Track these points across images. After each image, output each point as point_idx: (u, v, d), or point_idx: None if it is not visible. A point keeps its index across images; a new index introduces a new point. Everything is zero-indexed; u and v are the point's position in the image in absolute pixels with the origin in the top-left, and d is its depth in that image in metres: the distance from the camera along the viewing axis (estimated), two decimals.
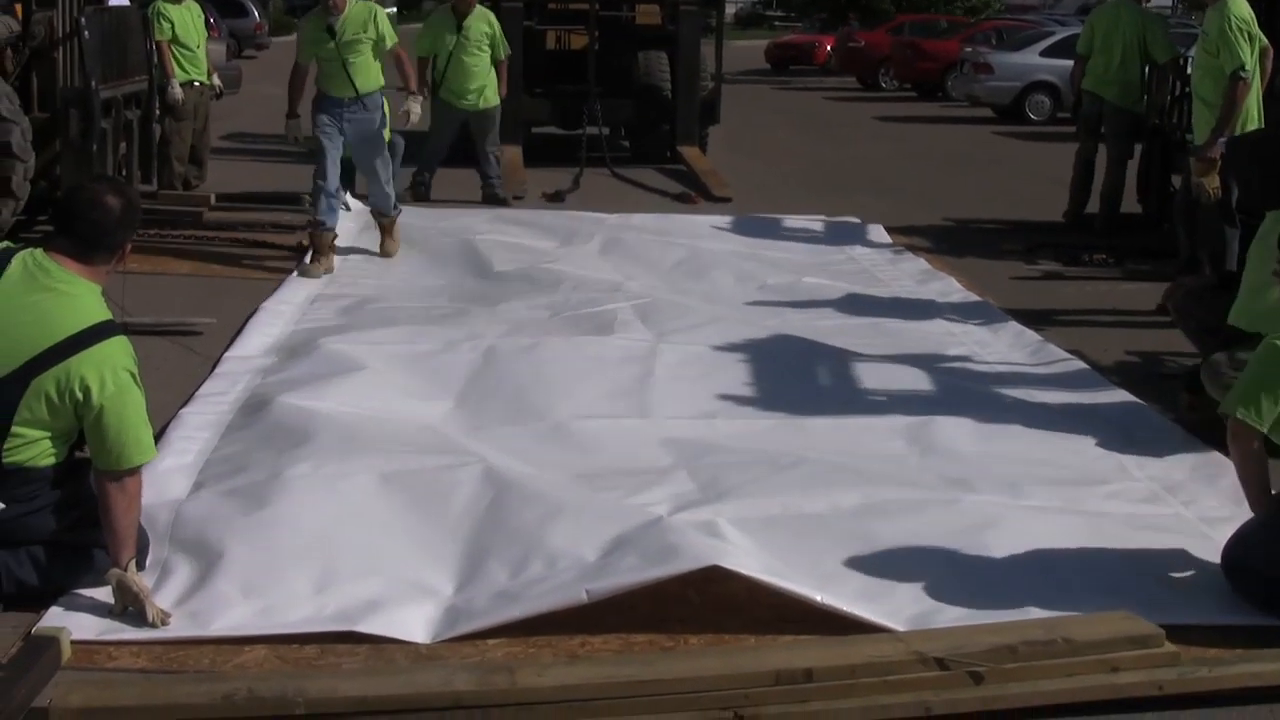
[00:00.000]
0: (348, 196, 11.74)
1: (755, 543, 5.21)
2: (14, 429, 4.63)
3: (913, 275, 10.90)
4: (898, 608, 4.81)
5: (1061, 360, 8.22)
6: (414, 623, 4.69)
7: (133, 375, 4.70)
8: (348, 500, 5.57)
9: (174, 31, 13.15)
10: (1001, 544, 5.36)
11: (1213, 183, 9.14)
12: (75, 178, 9.79)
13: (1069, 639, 4.34)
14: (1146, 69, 12.82)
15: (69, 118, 10.29)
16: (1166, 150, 12.05)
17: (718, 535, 5.20)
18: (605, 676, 4.14)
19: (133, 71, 11.70)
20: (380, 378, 7.31)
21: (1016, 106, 27.24)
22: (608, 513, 5.39)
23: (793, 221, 13.20)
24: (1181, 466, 6.42)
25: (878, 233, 12.64)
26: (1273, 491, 5.06)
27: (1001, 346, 8.63)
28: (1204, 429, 6.64)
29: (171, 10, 13.17)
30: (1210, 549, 5.24)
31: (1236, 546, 5.04)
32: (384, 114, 10.96)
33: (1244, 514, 5.27)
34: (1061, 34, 28.24)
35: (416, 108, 11.41)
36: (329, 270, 10.26)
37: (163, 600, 4.74)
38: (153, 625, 4.59)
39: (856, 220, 13.29)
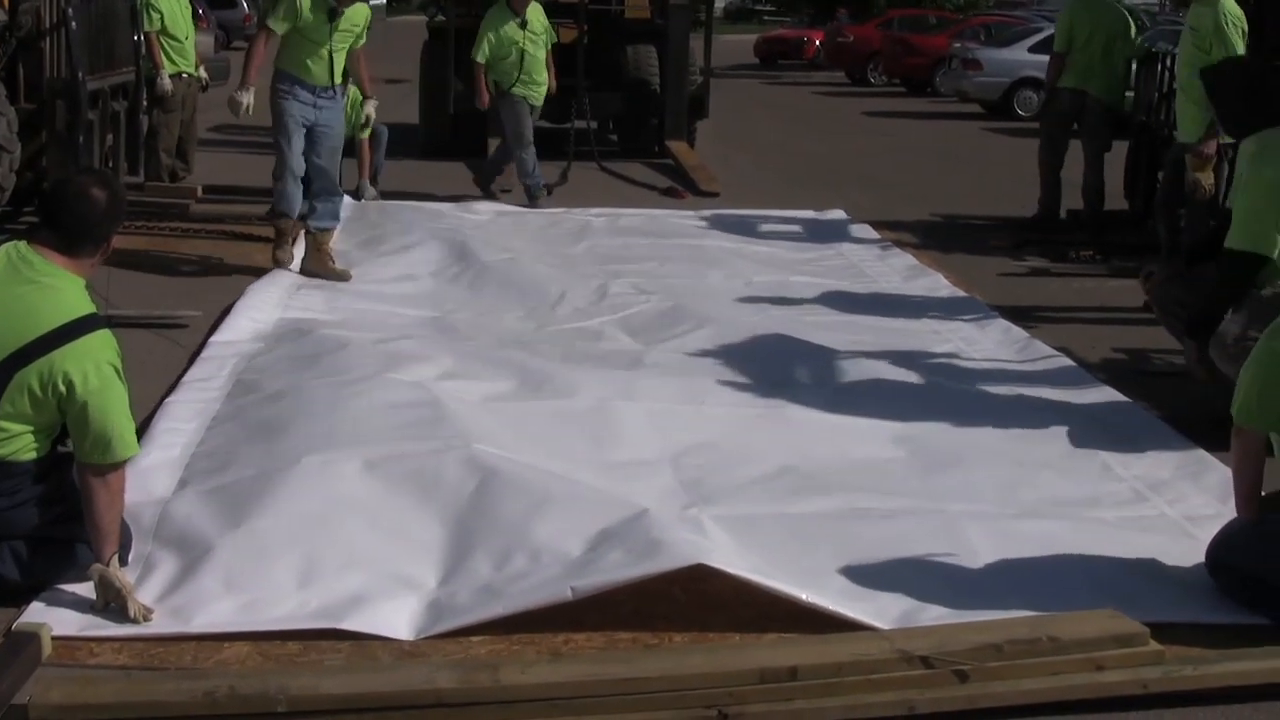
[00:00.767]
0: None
1: (740, 541, 5.20)
2: None
3: (900, 271, 10.90)
4: (882, 607, 4.80)
5: (1048, 357, 8.22)
6: (397, 619, 4.67)
7: (116, 369, 4.69)
8: (332, 490, 5.54)
9: (163, 23, 13.12)
10: (986, 543, 5.35)
11: (1208, 179, 9.14)
12: (61, 169, 9.77)
13: (1054, 637, 4.33)
14: (1137, 63, 12.85)
15: (55, 109, 10.28)
16: (1153, 147, 12.05)
17: (703, 533, 5.20)
18: (589, 674, 4.13)
19: (120, 63, 11.69)
20: (366, 366, 7.29)
21: (1005, 102, 27.30)
22: (593, 506, 5.37)
23: (780, 216, 13.21)
24: (1166, 465, 6.41)
25: (864, 229, 12.64)
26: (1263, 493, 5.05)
27: (988, 343, 8.63)
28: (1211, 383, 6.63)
29: (161, 1, 13.13)
30: (1195, 548, 5.23)
31: (1221, 545, 5.03)
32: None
33: (1229, 513, 5.27)
34: (1050, 30, 28.10)
35: (373, 110, 11.13)
36: (292, 259, 10.16)
37: (145, 596, 4.72)
38: (135, 621, 4.57)
39: (843, 215, 13.31)
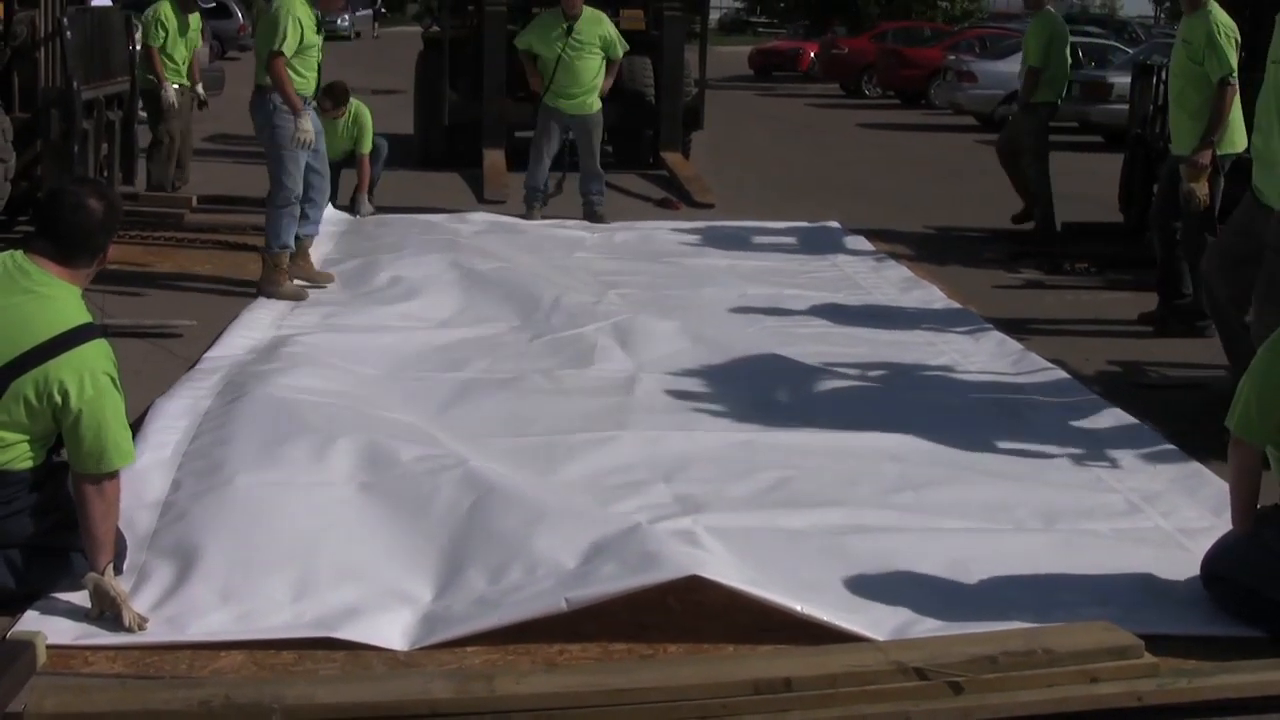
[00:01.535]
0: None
1: (735, 553, 5.19)
2: None
3: (895, 283, 10.91)
4: (878, 619, 4.79)
5: (1043, 369, 8.22)
6: (392, 630, 4.67)
7: (112, 379, 4.69)
8: (327, 504, 5.55)
9: (164, 41, 13.17)
10: (981, 555, 5.35)
11: (1202, 189, 9.14)
12: (56, 178, 9.76)
13: (1048, 649, 4.33)
14: (1132, 76, 12.95)
15: (50, 118, 10.27)
16: (1149, 160, 12.06)
17: (697, 544, 5.19)
18: (583, 685, 4.13)
19: (114, 72, 11.71)
20: (358, 377, 7.29)
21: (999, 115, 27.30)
22: (587, 519, 5.37)
23: (775, 228, 13.22)
24: (1161, 477, 6.42)
25: (859, 241, 12.65)
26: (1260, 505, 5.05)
27: (983, 356, 8.63)
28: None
29: (170, 21, 13.19)
30: (1189, 560, 5.24)
31: (1216, 558, 5.04)
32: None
33: (1223, 525, 5.28)
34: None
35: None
36: (301, 293, 9.81)
37: (140, 605, 4.71)
38: (129, 630, 4.57)
39: (838, 226, 13.32)
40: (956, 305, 10.05)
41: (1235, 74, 9.05)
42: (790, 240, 12.73)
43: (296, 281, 9.87)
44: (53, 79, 10.57)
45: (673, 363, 8.09)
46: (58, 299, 4.72)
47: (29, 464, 4.72)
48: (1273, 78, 7.02)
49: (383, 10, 66.26)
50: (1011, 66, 27.34)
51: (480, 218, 13.23)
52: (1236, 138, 9.26)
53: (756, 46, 50.44)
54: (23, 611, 4.68)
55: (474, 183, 15.70)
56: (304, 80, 9.65)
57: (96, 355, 4.67)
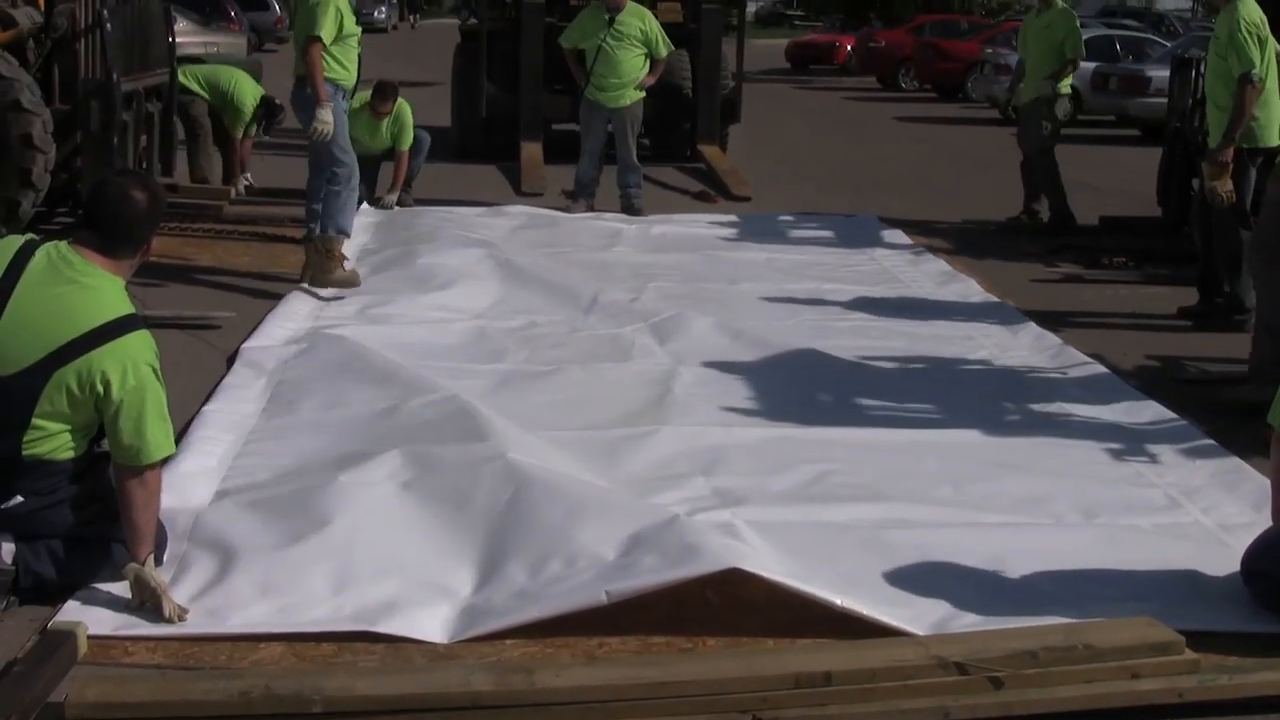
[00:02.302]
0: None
1: (773, 546, 5.19)
2: (35, 421, 4.63)
3: (933, 277, 10.89)
4: (917, 613, 4.78)
5: (1082, 364, 8.19)
6: (431, 623, 4.67)
7: (154, 369, 4.71)
8: (369, 507, 5.53)
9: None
10: (1020, 550, 5.33)
11: (1225, 186, 9.13)
12: (97, 170, 9.80)
13: (1089, 645, 4.32)
14: (1170, 70, 12.91)
15: (90, 110, 10.31)
16: (1187, 154, 12.01)
17: (737, 537, 5.19)
18: (623, 678, 4.13)
19: (154, 64, 11.73)
20: (400, 378, 7.29)
21: None
22: (626, 512, 5.36)
23: (812, 221, 13.22)
24: (1201, 473, 6.39)
25: (897, 235, 12.64)
26: None
27: (1022, 350, 8.61)
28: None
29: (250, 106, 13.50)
30: (1229, 556, 5.21)
31: (1256, 554, 5.00)
32: None
33: (1263, 521, 5.24)
34: (1083, 35, 28.15)
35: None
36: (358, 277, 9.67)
37: (180, 596, 4.73)
38: (169, 621, 4.58)
39: (876, 220, 13.30)
40: (995, 299, 10.01)
41: (1258, 70, 8.99)
42: (827, 233, 12.72)
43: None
44: (92, 71, 10.60)
45: (711, 357, 8.09)
46: (101, 289, 4.73)
47: (71, 454, 4.74)
48: None
49: (406, 3, 66.14)
50: None
51: (518, 210, 13.25)
52: (1268, 133, 9.23)
53: (793, 40, 50.29)
54: (64, 602, 4.71)
55: (511, 175, 15.71)
56: (345, 72, 9.52)
57: (139, 346, 4.69)
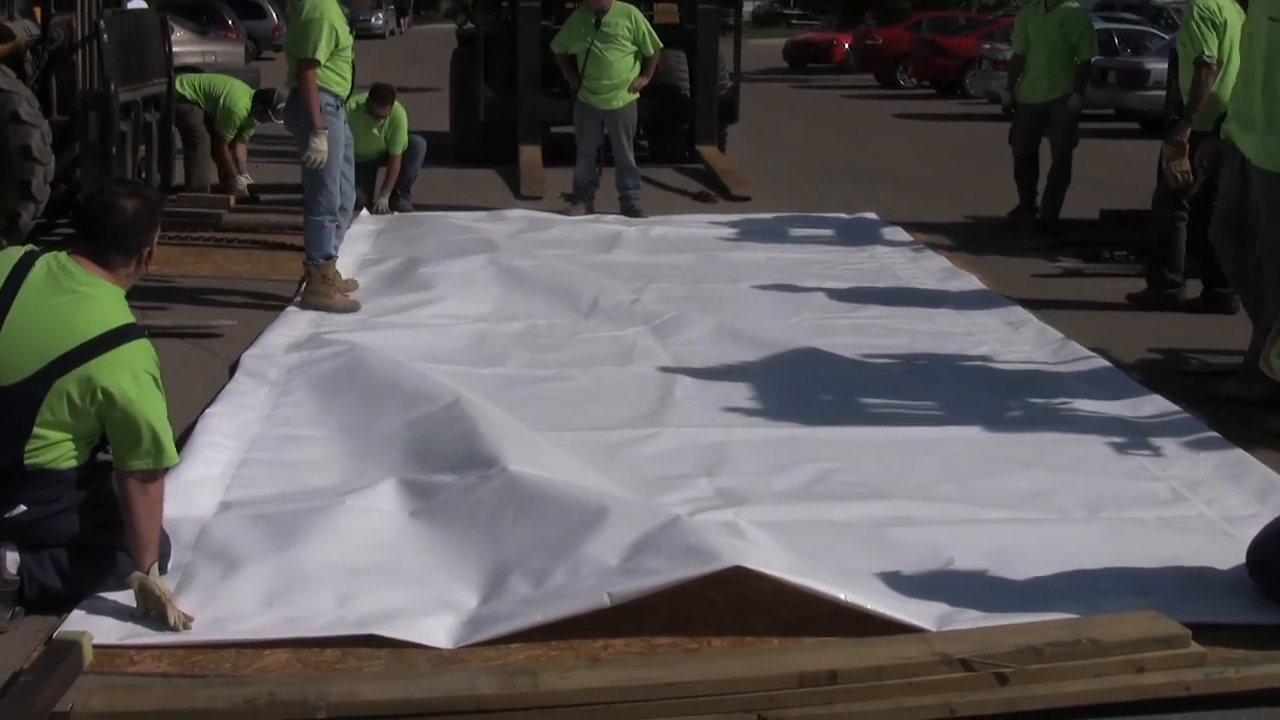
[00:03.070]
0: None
1: (777, 545, 5.19)
2: (36, 430, 4.63)
3: (934, 273, 10.88)
4: (922, 610, 4.77)
5: (1084, 358, 8.18)
6: (436, 629, 4.67)
7: (154, 378, 4.71)
8: (372, 518, 5.54)
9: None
10: (1024, 545, 5.33)
11: (1182, 166, 9.41)
12: (95, 180, 9.80)
13: (1094, 639, 4.31)
14: (1169, 63, 12.91)
15: (88, 121, 10.32)
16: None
17: (740, 536, 5.19)
18: (628, 679, 4.13)
19: (151, 74, 11.73)
20: (401, 387, 7.27)
21: None
22: (630, 517, 5.32)
23: (812, 220, 13.21)
24: (1205, 465, 6.38)
25: (896, 232, 12.64)
26: None
27: (1024, 345, 8.61)
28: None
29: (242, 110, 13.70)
30: (1234, 548, 5.20)
31: (1261, 545, 5.00)
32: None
33: (1268, 513, 5.26)
34: None
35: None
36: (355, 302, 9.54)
37: (184, 605, 4.72)
38: (174, 629, 4.59)
39: (875, 217, 13.29)
40: (996, 295, 10.01)
41: (1213, 55, 9.23)
42: (828, 232, 12.71)
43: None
44: (90, 82, 10.61)
45: (712, 357, 8.09)
46: (100, 299, 4.73)
47: (73, 463, 4.74)
48: (1250, 44, 7.36)
49: (393, 8, 66.03)
50: None
51: (517, 214, 13.23)
52: (1204, 119, 9.38)
53: (791, 39, 50.31)
54: (68, 611, 4.71)
55: (510, 179, 15.71)
56: (341, 81, 9.36)
57: (139, 355, 4.69)
